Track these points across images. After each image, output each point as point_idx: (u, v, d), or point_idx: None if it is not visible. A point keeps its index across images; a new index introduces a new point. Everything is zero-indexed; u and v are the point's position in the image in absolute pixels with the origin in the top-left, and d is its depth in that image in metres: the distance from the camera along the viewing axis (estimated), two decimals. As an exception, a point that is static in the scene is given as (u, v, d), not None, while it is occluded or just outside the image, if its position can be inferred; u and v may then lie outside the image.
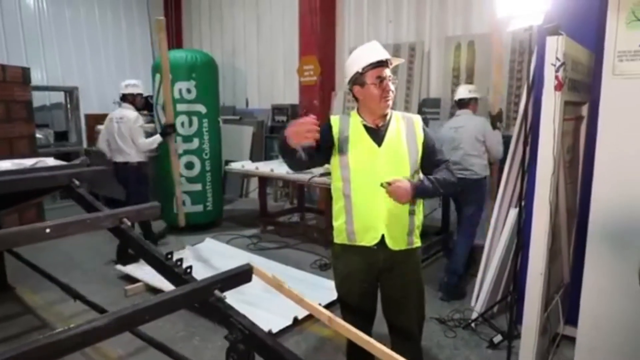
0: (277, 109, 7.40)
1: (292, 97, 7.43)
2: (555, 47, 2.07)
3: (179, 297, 1.70)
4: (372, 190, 2.00)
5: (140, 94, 4.95)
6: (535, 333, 2.38)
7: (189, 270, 1.96)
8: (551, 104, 2.11)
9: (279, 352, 1.62)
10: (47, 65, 7.41)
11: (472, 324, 3.24)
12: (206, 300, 1.76)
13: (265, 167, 5.24)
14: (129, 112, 4.69)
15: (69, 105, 7.46)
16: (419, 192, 2.00)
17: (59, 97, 7.57)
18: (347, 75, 2.07)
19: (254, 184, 7.75)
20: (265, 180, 5.72)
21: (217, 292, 1.78)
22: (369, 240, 2.04)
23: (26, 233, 1.93)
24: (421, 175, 2.11)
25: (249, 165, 5.48)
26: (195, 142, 5.45)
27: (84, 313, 3.21)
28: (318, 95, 6.67)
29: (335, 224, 2.12)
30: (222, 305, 1.75)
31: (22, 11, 7.20)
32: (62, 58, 7.64)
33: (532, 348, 2.40)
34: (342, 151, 2.04)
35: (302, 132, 1.78)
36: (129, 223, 2.23)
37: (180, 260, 2.01)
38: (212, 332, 3.16)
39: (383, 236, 2.03)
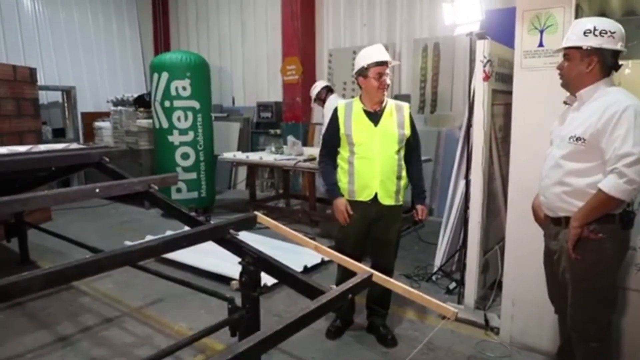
0: (262, 106, 8.01)
1: (275, 95, 8.05)
2: (483, 48, 2.75)
3: (207, 231, 2.32)
4: (370, 159, 2.67)
5: None
6: (475, 269, 3.05)
7: (208, 218, 2.57)
8: (480, 91, 2.80)
9: (280, 268, 2.24)
10: (43, 65, 7.82)
11: (433, 277, 3.91)
12: (224, 236, 2.37)
13: (254, 156, 5.83)
14: None
15: (66, 104, 7.89)
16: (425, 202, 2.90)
17: (55, 95, 8.01)
18: (355, 67, 2.71)
19: (241, 176, 8.32)
20: (254, 169, 6.30)
21: (232, 230, 2.39)
22: (365, 196, 2.70)
23: (82, 192, 2.51)
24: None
25: (240, 155, 6.08)
26: (191, 135, 5.98)
27: (104, 276, 3.74)
28: (300, 93, 7.32)
29: (339, 184, 2.77)
30: (236, 240, 2.38)
31: (20, 13, 7.61)
32: (58, 58, 8.10)
33: (474, 282, 3.08)
34: (348, 130, 2.69)
35: (340, 216, 2.70)
36: (156, 187, 2.81)
37: (200, 212, 2.61)
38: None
39: (376, 194, 2.68)
